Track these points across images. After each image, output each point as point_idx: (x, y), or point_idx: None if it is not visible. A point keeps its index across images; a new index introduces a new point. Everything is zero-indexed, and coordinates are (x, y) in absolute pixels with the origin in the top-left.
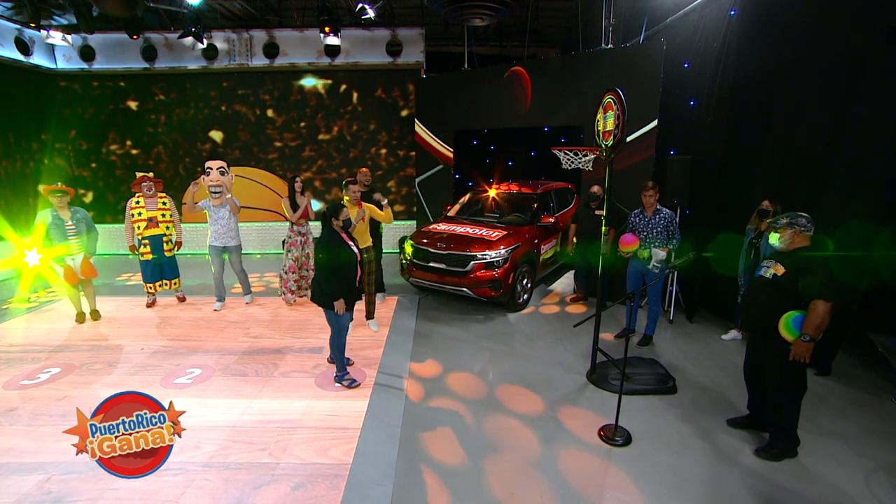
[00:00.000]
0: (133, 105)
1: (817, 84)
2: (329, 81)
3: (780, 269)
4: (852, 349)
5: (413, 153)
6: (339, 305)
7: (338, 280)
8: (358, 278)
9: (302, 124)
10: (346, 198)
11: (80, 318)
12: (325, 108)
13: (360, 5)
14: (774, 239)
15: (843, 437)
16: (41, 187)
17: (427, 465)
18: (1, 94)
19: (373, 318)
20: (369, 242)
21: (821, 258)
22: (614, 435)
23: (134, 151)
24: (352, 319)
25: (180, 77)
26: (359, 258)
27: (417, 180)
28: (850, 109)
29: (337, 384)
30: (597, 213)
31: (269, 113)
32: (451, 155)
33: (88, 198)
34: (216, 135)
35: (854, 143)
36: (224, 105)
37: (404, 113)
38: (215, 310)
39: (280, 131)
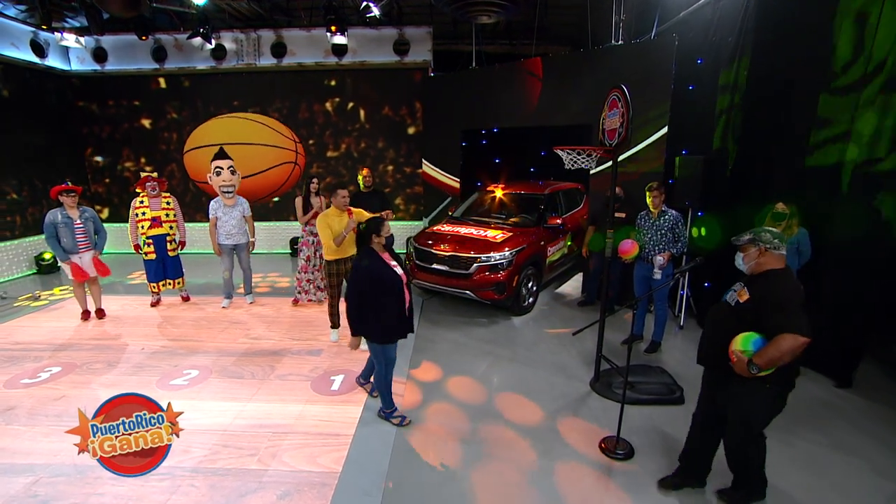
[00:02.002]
0: (147, 123)
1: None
2: (337, 100)
3: (745, 296)
4: (878, 360)
5: (420, 170)
6: (354, 342)
7: (374, 308)
8: (408, 304)
9: (311, 142)
10: (332, 207)
11: (86, 316)
12: (333, 126)
13: (364, 3)
14: (739, 259)
15: (861, 454)
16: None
17: (419, 474)
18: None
19: (337, 327)
20: (354, 250)
21: (792, 284)
22: (615, 447)
23: (148, 168)
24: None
25: (192, 95)
26: (405, 280)
27: (426, 220)
28: None
29: (384, 421)
30: (616, 215)
31: None
32: (458, 186)
33: (104, 214)
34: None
35: None
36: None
37: (411, 130)
38: (223, 307)
39: None
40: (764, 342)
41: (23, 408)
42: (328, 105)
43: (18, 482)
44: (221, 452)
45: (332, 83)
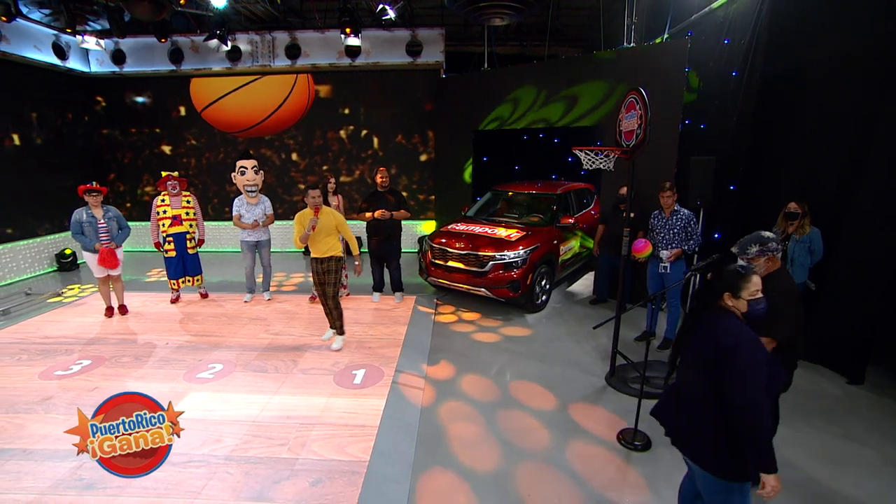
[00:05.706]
0: (167, 149)
1: (850, 81)
2: (351, 128)
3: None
4: (890, 357)
5: (433, 196)
6: (774, 485)
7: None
8: None
9: (325, 168)
10: (307, 207)
11: (109, 312)
12: (347, 153)
13: (380, 6)
14: None
15: (874, 447)
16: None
17: (444, 464)
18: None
19: (343, 333)
20: (334, 251)
21: (791, 286)
22: (633, 439)
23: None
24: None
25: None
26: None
27: None
28: (884, 107)
29: None
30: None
31: (294, 157)
32: None
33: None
34: None
35: (889, 142)
36: (251, 149)
37: (423, 158)
38: (245, 301)
39: (304, 174)
40: None
41: (60, 398)
42: (342, 133)
43: (64, 467)
44: (252, 442)
45: (346, 111)
